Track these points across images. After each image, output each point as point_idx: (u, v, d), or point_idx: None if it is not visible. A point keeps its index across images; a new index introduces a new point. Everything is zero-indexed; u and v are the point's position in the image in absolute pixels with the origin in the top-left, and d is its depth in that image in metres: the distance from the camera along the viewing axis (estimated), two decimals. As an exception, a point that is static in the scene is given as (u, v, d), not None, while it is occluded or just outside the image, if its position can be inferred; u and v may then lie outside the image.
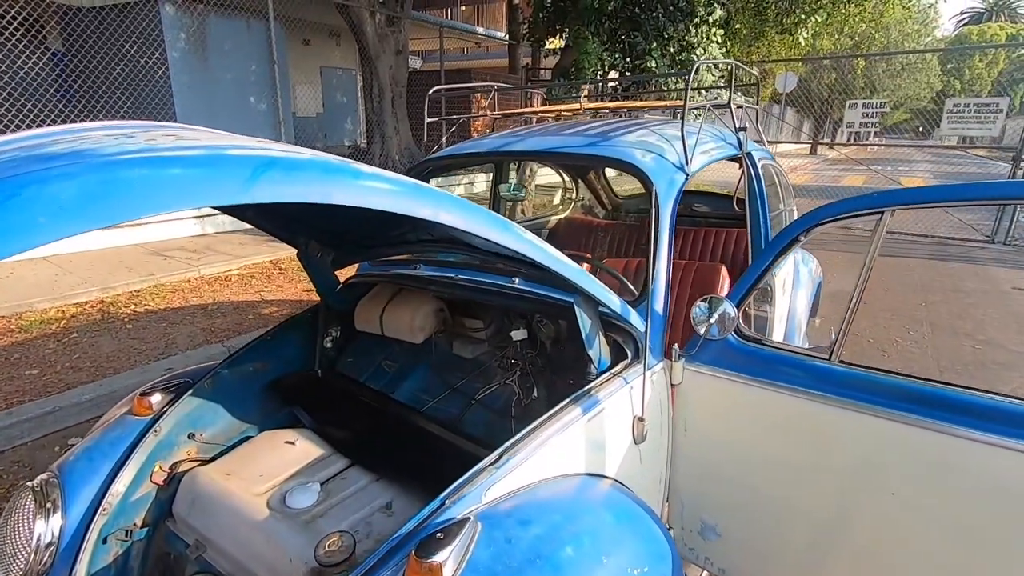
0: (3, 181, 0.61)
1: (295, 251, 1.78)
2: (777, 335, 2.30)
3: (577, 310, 1.33)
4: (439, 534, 0.95)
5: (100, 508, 1.35)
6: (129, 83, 6.41)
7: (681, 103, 1.67)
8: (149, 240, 6.20)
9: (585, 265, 2.17)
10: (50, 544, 1.30)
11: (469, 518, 1.00)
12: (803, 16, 6.80)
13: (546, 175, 5.08)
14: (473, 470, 1.09)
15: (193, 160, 0.71)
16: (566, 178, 3.59)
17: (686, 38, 5.71)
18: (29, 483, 1.36)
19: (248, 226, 7.06)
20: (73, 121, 6.16)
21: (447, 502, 1.04)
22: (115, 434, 1.48)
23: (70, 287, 4.61)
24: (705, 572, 1.62)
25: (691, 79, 1.62)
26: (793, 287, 2.78)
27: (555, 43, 8.98)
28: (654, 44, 5.59)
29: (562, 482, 1.19)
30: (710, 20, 5.81)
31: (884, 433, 1.19)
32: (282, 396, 1.80)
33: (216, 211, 6.70)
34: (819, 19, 6.94)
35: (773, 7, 7.41)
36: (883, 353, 3.94)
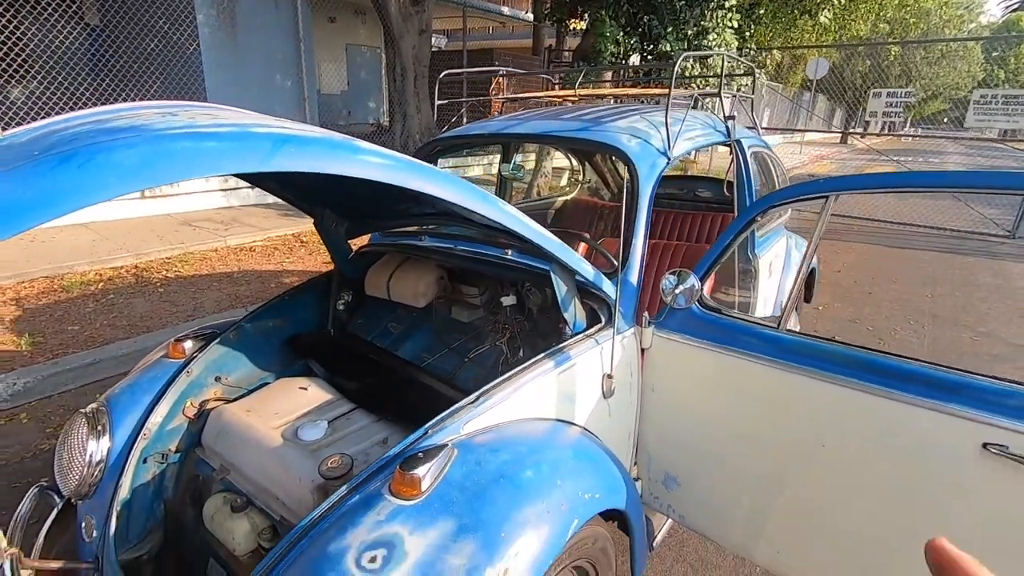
0: (84, 148, 0.80)
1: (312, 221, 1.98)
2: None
3: (553, 276, 1.50)
4: (420, 454, 1.14)
5: (141, 434, 1.57)
6: (162, 59, 6.66)
7: (666, 92, 1.80)
8: (179, 211, 6.50)
9: (582, 244, 2.34)
10: (100, 462, 1.54)
11: (447, 444, 1.19)
12: (825, -3, 6.74)
13: (561, 158, 5.21)
14: (454, 407, 1.28)
15: (225, 135, 0.89)
16: (574, 161, 3.72)
17: (702, 23, 5.73)
18: (83, 410, 1.59)
19: (271, 200, 7.33)
20: (107, 94, 6.43)
21: (430, 431, 1.23)
22: (153, 373, 1.70)
23: (107, 252, 4.92)
24: (668, 519, 1.79)
25: (675, 71, 1.75)
26: (784, 271, 2.90)
27: (577, 24, 8.98)
28: (670, 28, 5.62)
29: (533, 423, 1.37)
30: (726, 5, 5.81)
31: (822, 394, 1.34)
32: (298, 350, 2.01)
33: (243, 183, 6.95)
34: (840, 1, 6.85)
35: (797, -10, 7.33)
36: (880, 340, 4.02)
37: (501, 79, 8.49)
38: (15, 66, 5.26)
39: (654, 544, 1.72)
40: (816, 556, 1.43)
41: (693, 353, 1.56)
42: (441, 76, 2.45)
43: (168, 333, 3.61)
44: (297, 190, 1.83)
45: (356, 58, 14.42)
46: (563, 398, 1.46)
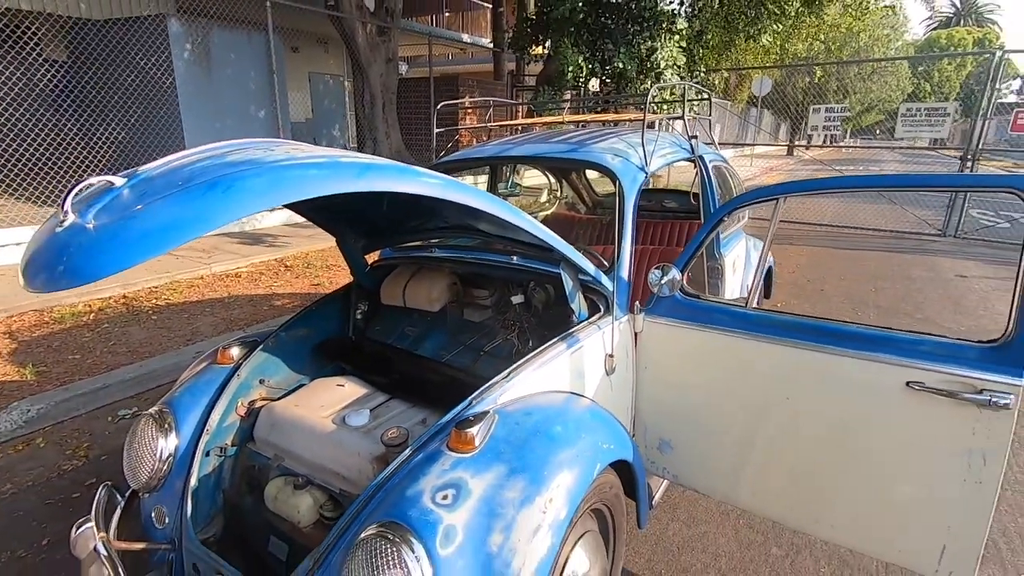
0: (222, 178, 1.05)
1: (333, 240, 2.23)
2: None
3: (563, 274, 1.79)
4: (471, 418, 1.40)
5: (204, 431, 1.77)
6: (137, 93, 6.76)
7: (642, 117, 2.14)
8: (158, 241, 6.54)
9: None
10: (168, 457, 1.73)
11: (489, 410, 1.45)
12: (767, 23, 7.43)
13: (531, 177, 5.57)
14: (489, 383, 1.55)
15: (323, 164, 1.15)
16: (551, 179, 4.06)
17: (651, 44, 6.26)
18: (149, 412, 1.78)
19: (246, 227, 7.43)
20: (84, 125, 6.44)
21: (473, 402, 1.49)
22: (207, 377, 1.91)
23: (93, 284, 4.96)
24: (664, 481, 2.08)
25: (648, 101, 2.09)
26: (745, 269, 3.28)
27: (538, 51, 9.47)
28: (622, 49, 6.12)
29: (553, 395, 1.64)
30: (673, 29, 6.37)
31: (782, 356, 1.66)
32: (326, 355, 2.24)
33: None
34: (779, 27, 7.56)
35: (742, 18, 8.01)
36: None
37: (470, 110, 8.86)
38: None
39: (653, 502, 2.00)
40: (784, 491, 1.74)
41: (678, 333, 1.87)
42: (439, 107, 2.74)
43: (171, 357, 3.74)
44: (325, 213, 2.09)
45: (319, 86, 14.62)
46: (575, 374, 1.75)
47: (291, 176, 1.09)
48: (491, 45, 15.43)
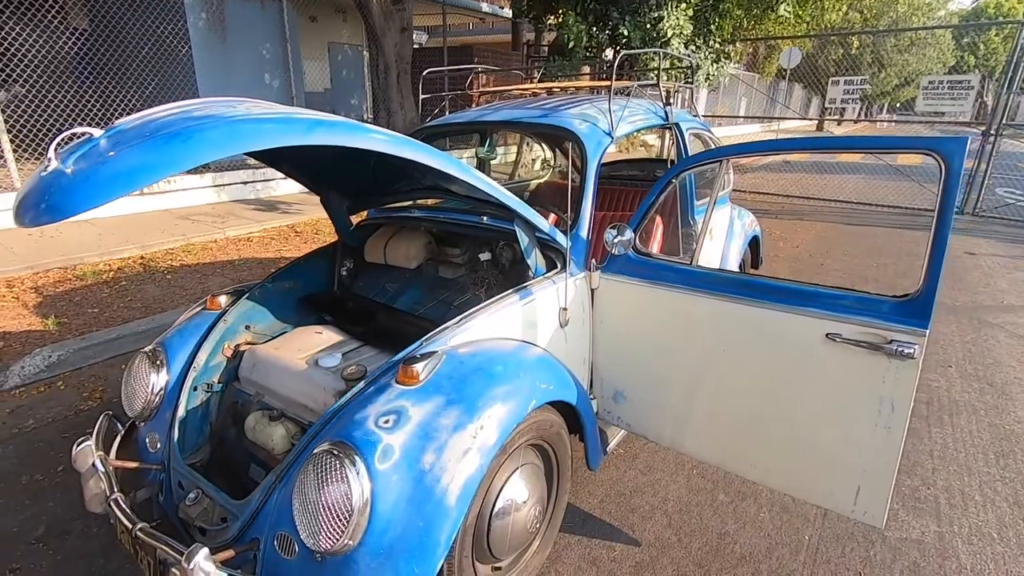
0: (184, 129, 1.19)
1: (318, 199, 2.37)
2: None
3: (517, 230, 1.91)
4: (418, 356, 1.55)
5: (191, 368, 1.96)
6: (155, 61, 6.94)
7: (608, 84, 2.21)
8: (176, 206, 6.81)
9: (552, 215, 2.74)
10: (160, 390, 1.92)
11: (436, 351, 1.60)
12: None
13: (535, 151, 5.64)
14: (441, 327, 1.69)
15: (277, 119, 1.28)
16: (546, 149, 4.13)
17: (657, 12, 6.17)
18: (143, 350, 1.97)
19: (262, 195, 7.65)
20: (104, 92, 6.67)
21: (423, 343, 1.64)
22: (197, 321, 2.09)
23: (114, 245, 5.24)
24: (620, 431, 2.22)
25: (615, 66, 2.16)
26: (726, 238, 3.34)
27: (552, 20, 9.36)
28: (627, 18, 6.04)
29: (503, 341, 1.78)
30: (682, -3, 6.26)
31: (719, 309, 1.76)
32: (310, 306, 2.40)
33: (236, 179, 7.24)
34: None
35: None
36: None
37: (479, 75, 8.86)
38: None
39: (607, 449, 2.14)
40: (723, 437, 1.86)
41: (631, 290, 1.98)
42: (424, 74, 2.83)
43: (181, 312, 3.96)
44: (310, 172, 2.23)
45: (338, 56, 14.66)
46: (527, 324, 1.88)
47: (245, 129, 1.23)
48: (509, 14, 15.22)
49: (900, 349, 1.45)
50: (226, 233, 5.94)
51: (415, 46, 10.82)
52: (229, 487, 1.69)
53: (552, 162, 4.09)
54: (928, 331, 1.42)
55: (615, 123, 2.28)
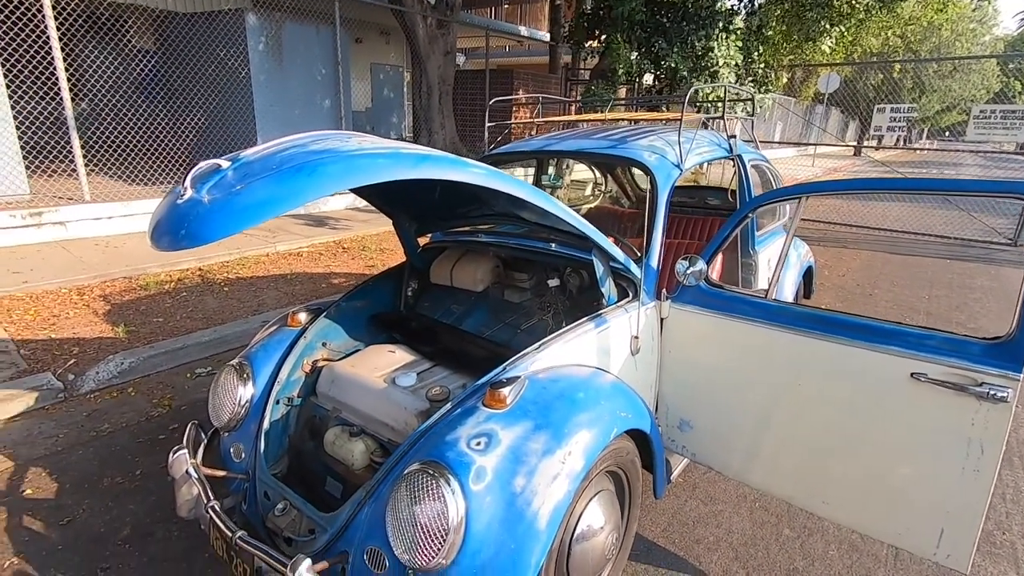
0: (307, 163, 1.28)
1: (386, 226, 2.47)
2: None
3: (595, 260, 1.96)
4: (504, 380, 1.60)
5: (275, 382, 2.05)
6: (217, 81, 7.29)
7: (678, 117, 2.27)
8: (229, 220, 7.07)
9: (611, 238, 2.80)
10: (245, 403, 2.01)
11: (520, 376, 1.65)
12: (827, 26, 7.19)
13: (579, 171, 5.71)
14: (523, 352, 1.74)
15: (388, 154, 1.36)
16: (597, 174, 4.20)
17: (708, 43, 6.22)
18: (231, 363, 2.08)
19: (311, 211, 7.90)
20: (172, 110, 7.03)
21: (507, 367, 1.69)
22: (279, 337, 2.19)
23: (174, 256, 5.47)
24: (683, 459, 2.22)
25: (685, 102, 2.21)
26: (781, 267, 3.32)
27: (594, 44, 9.53)
28: (676, 48, 6.12)
29: (579, 368, 1.82)
30: (731, 28, 6.30)
31: (797, 345, 1.78)
32: (380, 325, 2.49)
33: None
34: (842, 30, 7.30)
35: (810, 15, 7.77)
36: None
37: (522, 106, 9.04)
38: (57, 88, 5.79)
39: (671, 478, 2.15)
40: (794, 472, 1.86)
41: (701, 320, 2.00)
42: (491, 103, 2.94)
43: (240, 325, 4.12)
44: (385, 197, 2.33)
45: (379, 76, 15.13)
46: (601, 352, 1.92)
47: (361, 164, 1.32)
48: (548, 38, 15.50)
49: (992, 392, 1.44)
50: (277, 248, 6.14)
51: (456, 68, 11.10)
52: (308, 499, 1.76)
53: (603, 187, 4.15)
54: (1023, 375, 1.41)
55: (684, 155, 2.33)
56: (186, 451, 1.82)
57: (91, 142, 6.42)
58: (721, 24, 6.25)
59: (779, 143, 22.09)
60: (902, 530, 1.68)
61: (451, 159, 1.46)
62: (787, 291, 3.32)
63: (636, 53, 6.67)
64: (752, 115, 2.91)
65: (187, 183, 1.29)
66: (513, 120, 2.75)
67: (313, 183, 1.24)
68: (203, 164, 1.39)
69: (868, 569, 2.02)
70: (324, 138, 1.50)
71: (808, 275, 3.76)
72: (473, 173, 1.47)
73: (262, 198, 1.21)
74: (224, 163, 1.35)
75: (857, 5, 7.76)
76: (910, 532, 1.67)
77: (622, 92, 9.00)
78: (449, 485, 1.37)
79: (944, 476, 1.57)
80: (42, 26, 5.50)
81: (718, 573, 1.99)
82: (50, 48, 5.53)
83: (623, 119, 3.06)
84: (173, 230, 1.22)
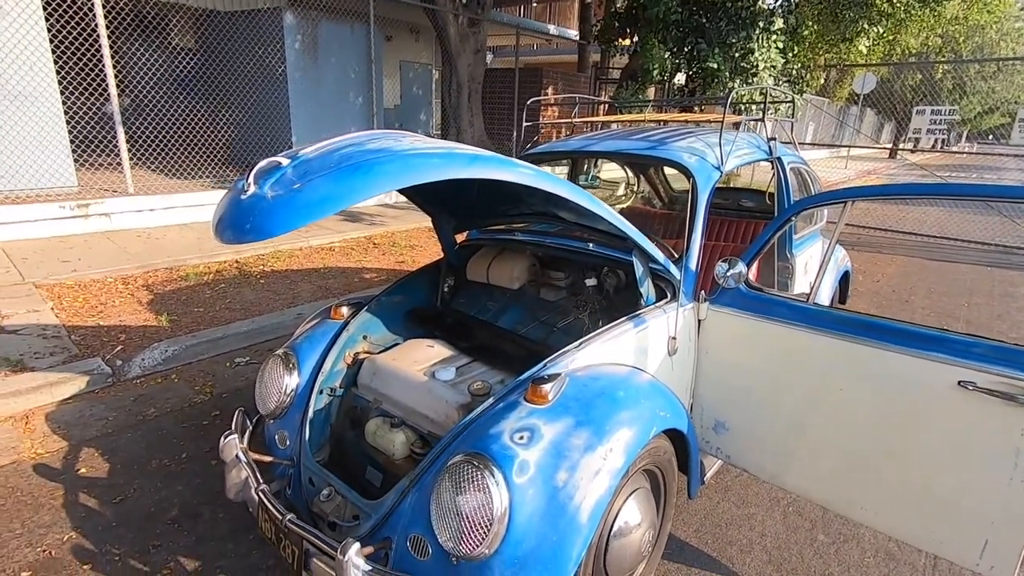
0: (364, 162, 1.32)
1: (416, 222, 2.53)
2: None
3: (635, 260, 1.98)
4: (546, 376, 1.63)
5: (319, 372, 2.12)
6: (255, 78, 7.47)
7: (720, 119, 2.27)
8: (263, 214, 7.25)
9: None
10: (291, 391, 2.08)
11: (561, 373, 1.68)
12: (866, 26, 7.02)
13: (608, 171, 5.70)
14: (563, 349, 1.77)
15: (441, 154, 1.41)
16: (629, 174, 4.20)
17: (747, 45, 6.14)
18: (277, 353, 2.15)
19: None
20: (211, 105, 7.22)
21: (547, 364, 1.72)
22: (322, 329, 2.25)
23: (211, 249, 5.64)
24: (717, 461, 2.23)
25: (727, 104, 2.21)
26: (824, 271, 3.29)
27: (625, 42, 9.47)
28: (716, 50, 6.05)
29: (618, 366, 1.84)
30: (771, 28, 6.20)
31: (839, 349, 1.77)
32: (417, 320, 2.54)
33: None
34: (881, 30, 7.12)
35: (848, 14, 7.60)
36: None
37: (552, 96, 9.03)
38: (102, 84, 5.98)
39: (704, 479, 2.16)
40: (833, 477, 1.85)
41: (740, 323, 2.01)
42: (528, 103, 2.97)
43: (276, 317, 4.23)
44: (425, 195, 2.38)
45: (408, 74, 15.23)
46: (639, 351, 1.94)
47: (416, 163, 1.36)
48: (577, 37, 15.44)
49: (1043, 402, 1.43)
50: (309, 242, 6.27)
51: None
52: (350, 487, 1.82)
53: (635, 188, 4.15)
54: (1076, 386, 1.39)
55: (724, 157, 2.33)
56: (236, 436, 1.90)
57: (133, 137, 6.63)
58: (761, 25, 6.16)
59: (811, 144, 21.65)
60: (944, 539, 1.67)
61: (502, 159, 1.49)
62: (824, 296, 3.27)
63: (669, 53, 6.61)
64: (793, 117, 2.88)
65: (250, 179, 1.34)
66: (544, 120, 2.76)
67: (371, 181, 1.29)
68: (265, 161, 1.44)
69: (905, 578, 2.01)
70: (378, 138, 1.54)
71: (844, 280, 3.71)
72: (522, 173, 1.50)
73: (323, 195, 1.26)
74: (284, 160, 1.41)
75: (898, 4, 7.57)
76: (953, 542, 1.65)
77: (651, 92, 8.93)
78: (493, 477, 1.41)
79: (990, 486, 1.55)
80: (93, 24, 5.71)
81: (752, 575, 1.99)
82: (99, 47, 5.74)
83: (663, 120, 3.06)
84: (238, 224, 1.27)
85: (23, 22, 5.51)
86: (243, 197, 1.31)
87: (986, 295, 5.67)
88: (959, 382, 1.55)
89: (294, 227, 1.24)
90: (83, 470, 2.51)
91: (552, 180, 1.57)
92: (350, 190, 1.27)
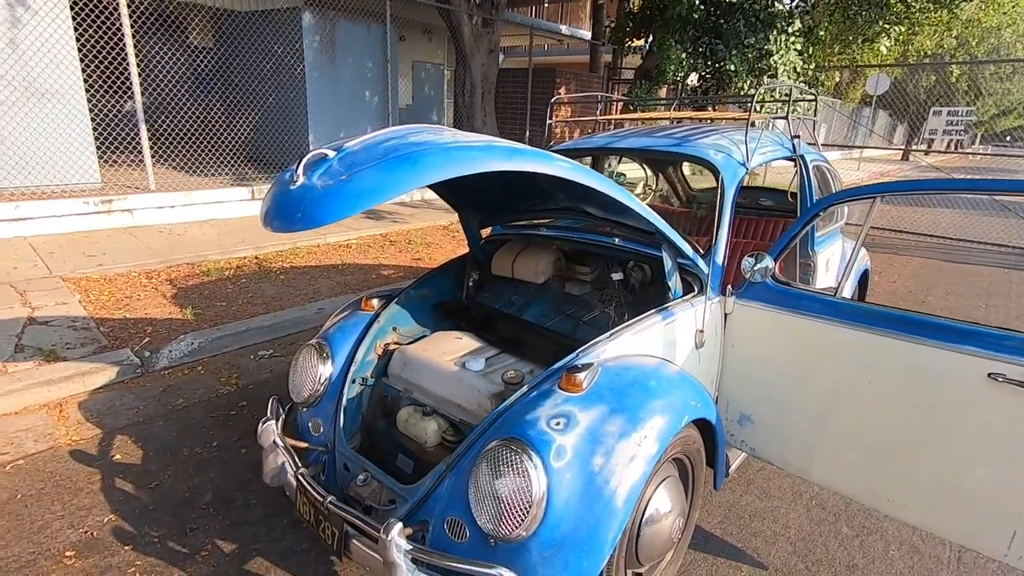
0: (411, 154, 1.37)
1: (432, 221, 2.58)
2: None
3: (664, 253, 2.01)
4: (579, 365, 1.67)
5: (352, 362, 2.16)
6: (273, 77, 7.56)
7: (746, 117, 2.30)
8: (280, 212, 7.33)
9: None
10: (324, 380, 2.13)
11: (593, 363, 1.72)
12: (886, 26, 6.99)
13: (626, 170, 5.73)
14: (594, 340, 1.81)
15: (482, 147, 1.45)
16: (648, 172, 4.22)
17: (765, 46, 6.15)
18: (311, 343, 2.20)
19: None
20: (230, 104, 7.32)
21: (580, 354, 1.76)
22: (353, 320, 2.30)
23: (232, 244, 5.72)
24: (741, 454, 2.26)
25: (753, 102, 2.24)
26: (853, 264, 3.31)
27: (639, 42, 9.49)
28: (734, 51, 6.06)
29: (647, 357, 1.88)
30: (789, 30, 6.20)
31: (868, 342, 1.79)
32: (444, 313, 2.59)
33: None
34: (902, 28, 7.09)
35: (863, 15, 7.59)
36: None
37: (563, 96, 9.09)
38: (125, 83, 6.08)
39: (729, 471, 2.18)
40: (859, 469, 1.87)
41: (767, 316, 2.03)
42: (552, 101, 3.01)
43: (297, 312, 4.30)
44: (452, 190, 2.42)
45: (420, 73, 15.32)
46: (667, 344, 1.97)
47: (459, 155, 1.40)
48: (589, 37, 15.47)
49: (1075, 394, 1.44)
50: (327, 239, 6.34)
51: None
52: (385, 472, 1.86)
53: (654, 186, 4.17)
54: (1108, 378, 1.41)
55: (749, 154, 2.36)
56: (273, 422, 1.95)
57: (155, 135, 6.74)
58: (779, 26, 6.16)
59: (824, 145, 21.53)
60: (972, 530, 1.69)
61: (539, 153, 1.53)
62: (845, 293, 3.29)
63: (685, 53, 6.63)
64: (816, 116, 2.90)
65: (299, 170, 1.39)
66: (557, 119, 2.80)
67: (416, 172, 1.33)
68: (312, 153, 1.49)
69: (930, 571, 2.02)
70: (420, 131, 1.59)
71: (864, 279, 3.72)
72: (559, 167, 1.54)
73: (371, 185, 1.30)
74: (330, 152, 1.45)
75: (914, 5, 7.54)
76: (980, 533, 1.67)
77: (663, 92, 8.93)
78: (531, 460, 1.45)
79: (1019, 477, 1.57)
80: (117, 24, 5.81)
81: (777, 566, 2.02)
82: (123, 46, 5.84)
83: (690, 118, 3.09)
84: (288, 213, 1.32)
85: (51, 20, 5.62)
86: (292, 188, 1.36)
87: (1004, 296, 5.64)
88: (989, 374, 1.57)
89: (343, 216, 1.29)
90: (118, 456, 2.57)
91: (589, 174, 1.61)
92: (397, 181, 1.32)
